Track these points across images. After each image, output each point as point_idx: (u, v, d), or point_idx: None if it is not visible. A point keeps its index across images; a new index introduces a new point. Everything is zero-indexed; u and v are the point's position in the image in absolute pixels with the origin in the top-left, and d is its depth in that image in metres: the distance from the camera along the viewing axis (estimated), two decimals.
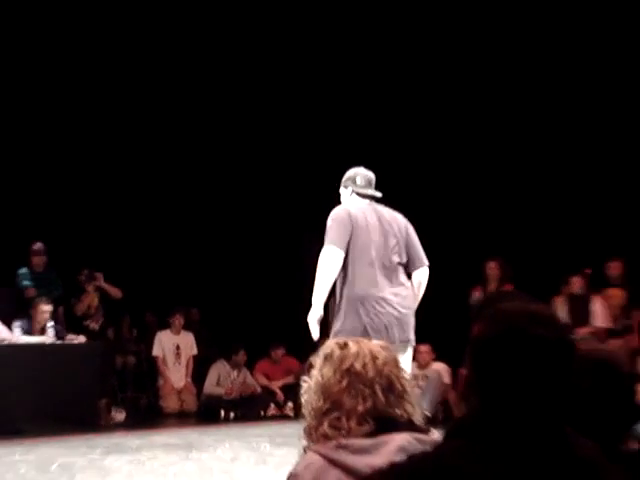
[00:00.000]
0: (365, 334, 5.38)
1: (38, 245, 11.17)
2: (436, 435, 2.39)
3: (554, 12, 12.37)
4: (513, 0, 12.69)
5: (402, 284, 5.78)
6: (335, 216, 5.72)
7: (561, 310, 10.99)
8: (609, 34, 12.06)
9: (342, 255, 5.61)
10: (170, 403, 11.92)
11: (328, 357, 2.46)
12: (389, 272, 5.71)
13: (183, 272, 13.50)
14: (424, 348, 10.74)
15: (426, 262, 5.94)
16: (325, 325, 5.77)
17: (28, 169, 12.78)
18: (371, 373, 2.39)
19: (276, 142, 13.97)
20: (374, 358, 2.43)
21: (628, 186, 12.33)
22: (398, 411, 2.39)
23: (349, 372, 2.40)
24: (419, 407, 2.51)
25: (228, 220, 13.86)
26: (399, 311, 5.67)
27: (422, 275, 5.93)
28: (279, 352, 12.25)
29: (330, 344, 2.51)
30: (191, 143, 14.05)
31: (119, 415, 10.90)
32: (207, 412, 11.55)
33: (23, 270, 11.16)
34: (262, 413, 11.65)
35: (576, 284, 11.03)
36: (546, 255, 12.07)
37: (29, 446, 8.41)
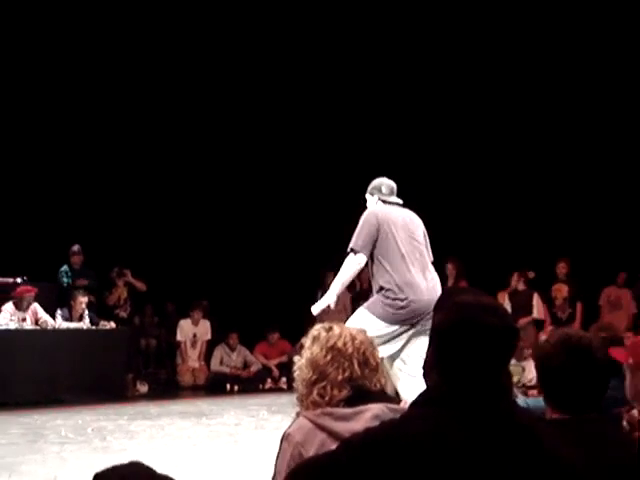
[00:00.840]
0: (396, 316, 5.31)
1: (76, 247, 11.13)
2: (407, 405, 2.43)
3: (555, 13, 11.71)
4: (515, 3, 12.06)
5: (430, 273, 5.58)
6: (365, 219, 5.54)
7: (505, 303, 11.06)
8: (609, 34, 11.48)
9: (364, 259, 5.45)
10: (185, 378, 11.97)
11: (316, 338, 2.52)
12: (418, 263, 5.51)
13: (196, 269, 13.46)
14: None
15: (430, 258, 5.75)
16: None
17: (67, 182, 12.70)
18: (350, 350, 2.46)
19: (278, 149, 13.69)
20: (353, 339, 2.49)
21: (576, 193, 12.19)
22: (370, 382, 2.45)
23: (333, 348, 2.46)
24: (388, 380, 2.57)
25: (234, 226, 13.79)
26: (430, 297, 5.26)
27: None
28: (275, 336, 12.29)
29: (317, 328, 2.57)
30: (204, 161, 13.82)
31: (143, 387, 10.89)
32: (215, 386, 11.52)
33: (64, 268, 11.14)
34: (260, 386, 11.66)
35: (517, 281, 11.08)
36: (497, 255, 11.96)
37: (69, 413, 8.44)
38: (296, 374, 2.54)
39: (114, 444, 6.70)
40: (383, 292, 5.41)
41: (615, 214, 11.74)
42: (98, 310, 10.95)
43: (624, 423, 2.69)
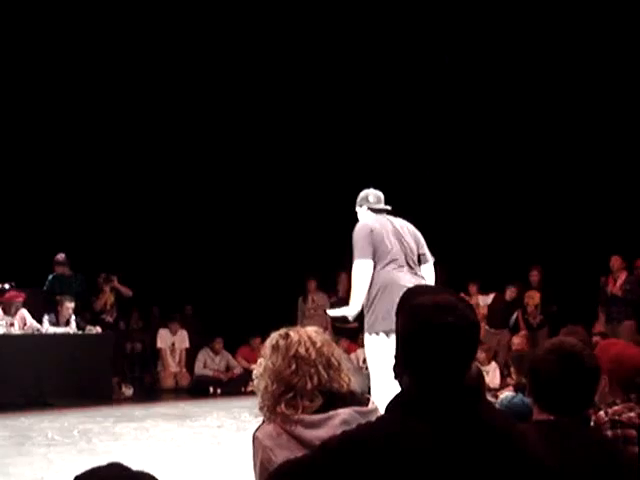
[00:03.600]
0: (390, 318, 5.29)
1: (60, 256, 10.95)
2: (375, 406, 2.39)
3: (554, 14, 11.48)
4: (513, 5, 11.81)
5: (422, 277, 5.60)
6: (357, 232, 5.56)
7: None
8: (609, 35, 11.31)
9: (371, 263, 5.42)
10: (168, 382, 12.09)
11: (275, 347, 2.42)
12: (409, 269, 5.54)
13: (181, 275, 13.43)
14: None
15: (430, 259, 5.77)
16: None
17: (55, 189, 12.61)
18: (313, 355, 2.37)
19: (263, 159, 13.58)
20: (313, 343, 2.40)
21: (549, 202, 12.16)
22: (338, 383, 2.38)
23: (295, 357, 2.37)
24: (353, 376, 2.49)
25: (218, 233, 13.74)
26: None
27: (427, 270, 5.75)
28: (257, 341, 12.26)
29: (274, 336, 2.46)
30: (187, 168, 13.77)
31: (128, 391, 10.84)
32: (198, 389, 11.51)
33: (52, 275, 11.09)
34: (242, 389, 11.62)
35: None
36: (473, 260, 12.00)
37: (55, 415, 8.39)
38: (256, 383, 2.44)
39: (100, 446, 6.66)
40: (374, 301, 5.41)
41: (587, 222, 11.80)
42: (85, 315, 10.90)
43: (592, 424, 2.73)
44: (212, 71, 13.09)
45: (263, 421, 2.41)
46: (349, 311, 5.54)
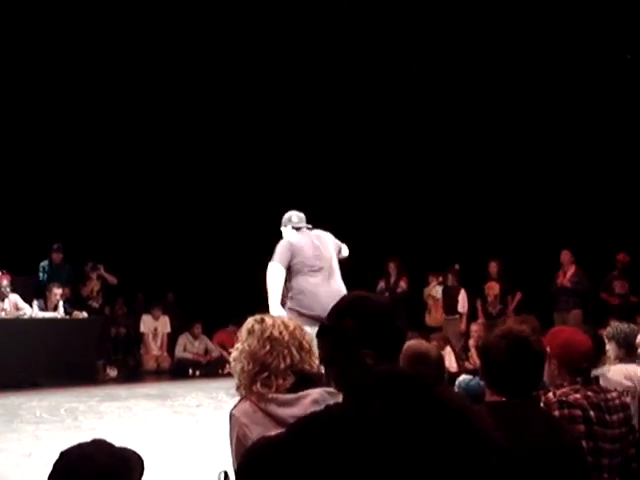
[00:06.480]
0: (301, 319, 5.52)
1: (58, 245, 11.05)
2: None
3: (551, 12, 11.00)
4: (513, 3, 11.24)
5: (338, 283, 6.10)
6: (280, 243, 6.18)
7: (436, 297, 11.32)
8: (607, 37, 11.00)
9: (283, 269, 6.00)
10: (150, 365, 12.05)
11: (250, 331, 2.45)
12: (325, 276, 6.06)
13: (163, 265, 13.35)
14: None
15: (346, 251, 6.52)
16: None
17: (43, 180, 12.37)
18: (286, 337, 2.41)
19: (241, 149, 13.38)
20: (286, 326, 2.45)
21: (506, 196, 12.15)
22: (309, 364, 2.42)
23: (270, 339, 2.40)
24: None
25: (199, 222, 13.59)
26: (327, 296, 5.77)
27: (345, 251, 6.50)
28: (233, 327, 12.28)
29: (249, 321, 2.50)
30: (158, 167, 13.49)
31: (112, 372, 10.79)
32: (179, 371, 11.51)
33: (44, 263, 11.03)
34: (220, 371, 11.60)
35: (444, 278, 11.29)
36: (433, 253, 11.99)
37: (44, 395, 8.30)
38: (233, 365, 2.47)
39: (85, 423, 6.63)
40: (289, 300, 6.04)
41: (539, 218, 11.88)
42: (72, 301, 10.84)
43: (541, 404, 2.77)
44: (185, 68, 12.69)
45: (239, 400, 2.42)
46: (273, 312, 5.83)
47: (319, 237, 6.28)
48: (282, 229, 6.43)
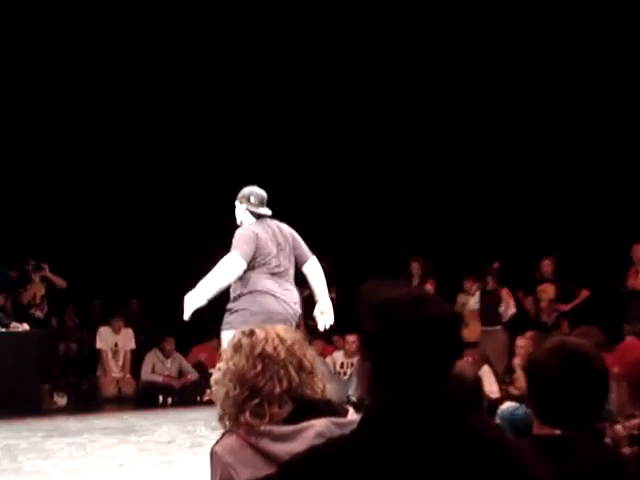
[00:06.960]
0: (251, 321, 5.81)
1: None
2: (355, 416, 2.37)
3: (553, 12, 12.00)
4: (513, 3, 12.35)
5: (291, 283, 6.61)
6: (243, 232, 6.45)
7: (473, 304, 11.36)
8: (607, 34, 11.75)
9: (244, 265, 6.31)
10: (109, 390, 12.09)
11: (237, 347, 2.43)
12: (281, 275, 6.50)
13: (125, 265, 13.39)
14: (351, 338, 10.79)
15: (311, 255, 6.75)
16: None
17: None
18: (282, 354, 2.38)
19: (201, 147, 13.96)
20: (282, 340, 2.41)
21: (560, 187, 12.40)
22: (311, 388, 2.39)
23: (261, 356, 2.37)
24: (329, 382, 2.54)
25: (169, 215, 13.76)
26: (286, 303, 6.47)
27: (311, 266, 6.73)
28: (215, 341, 12.30)
29: (236, 335, 2.48)
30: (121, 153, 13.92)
31: (61, 400, 10.84)
32: (146, 397, 11.50)
33: None
34: (198, 398, 11.63)
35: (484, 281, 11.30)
36: (467, 252, 12.14)
37: None
38: (215, 390, 2.45)
39: (27, 465, 6.63)
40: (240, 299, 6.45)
41: (607, 202, 11.98)
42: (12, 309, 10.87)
43: (607, 439, 2.75)
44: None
45: (223, 433, 2.42)
46: (197, 299, 6.50)
47: (282, 231, 6.58)
48: (236, 203, 6.67)
